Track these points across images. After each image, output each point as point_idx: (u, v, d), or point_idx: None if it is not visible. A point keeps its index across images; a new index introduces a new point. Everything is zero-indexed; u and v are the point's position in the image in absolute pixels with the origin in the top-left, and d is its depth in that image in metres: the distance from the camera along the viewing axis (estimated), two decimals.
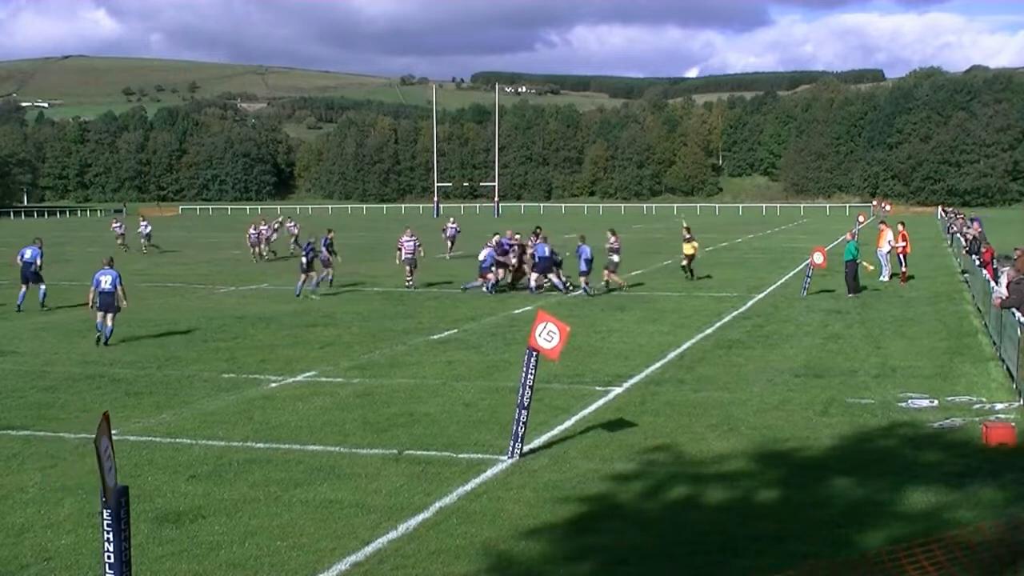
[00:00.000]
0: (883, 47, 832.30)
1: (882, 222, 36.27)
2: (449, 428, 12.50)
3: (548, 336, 11.01)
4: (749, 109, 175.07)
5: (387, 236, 65.40)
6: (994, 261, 22.62)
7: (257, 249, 42.03)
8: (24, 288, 25.74)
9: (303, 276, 28.01)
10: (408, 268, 30.27)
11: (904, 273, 31.28)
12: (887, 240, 32.13)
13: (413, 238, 30.76)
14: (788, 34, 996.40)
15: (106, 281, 19.66)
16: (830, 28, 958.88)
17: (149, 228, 50.97)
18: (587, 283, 27.71)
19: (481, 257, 28.79)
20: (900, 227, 33.06)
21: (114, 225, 54.20)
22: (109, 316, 19.50)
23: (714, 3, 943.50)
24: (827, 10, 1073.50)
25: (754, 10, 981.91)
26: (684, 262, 32.18)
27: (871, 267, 29.59)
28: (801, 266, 33.63)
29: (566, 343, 11.24)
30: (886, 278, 31.06)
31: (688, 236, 31.86)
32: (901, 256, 31.96)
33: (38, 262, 26.47)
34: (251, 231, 42.55)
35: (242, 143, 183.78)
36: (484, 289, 28.15)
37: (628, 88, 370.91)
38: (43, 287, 26.01)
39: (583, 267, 27.53)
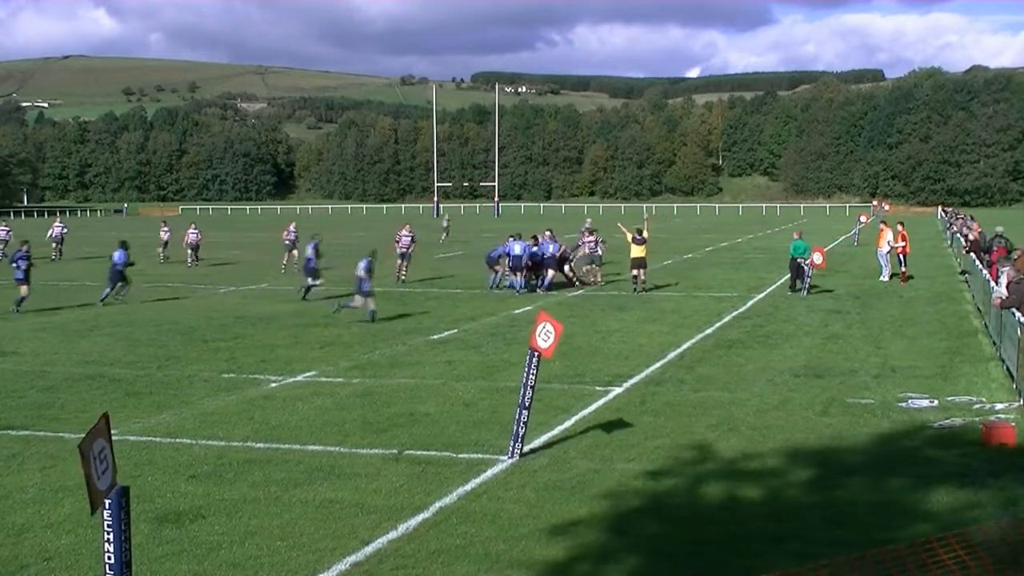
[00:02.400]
0: (885, 47, 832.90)
1: (882, 222, 36.25)
2: (449, 428, 12.49)
3: (545, 336, 11.05)
4: (749, 109, 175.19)
5: (387, 236, 65.40)
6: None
7: (162, 251, 41.85)
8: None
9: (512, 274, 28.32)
10: (401, 262, 31.03)
11: (904, 273, 31.28)
12: (887, 240, 32.14)
13: (411, 234, 31.06)
14: (789, 34, 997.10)
15: (360, 267, 22.67)
16: (832, 28, 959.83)
17: (64, 230, 44.92)
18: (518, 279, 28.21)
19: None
20: (899, 227, 33.06)
21: None
22: (370, 299, 22.37)
23: (716, 2, 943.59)
24: (829, 10, 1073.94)
25: (756, 9, 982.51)
26: (634, 271, 28.23)
27: (823, 264, 29.01)
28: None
29: (559, 342, 11.25)
30: (886, 278, 31.08)
31: (640, 237, 27.83)
32: (901, 256, 31.97)
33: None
34: (56, 224, 42.38)
35: (242, 143, 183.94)
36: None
37: (628, 88, 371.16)
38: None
39: (511, 263, 28.02)
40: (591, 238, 30.67)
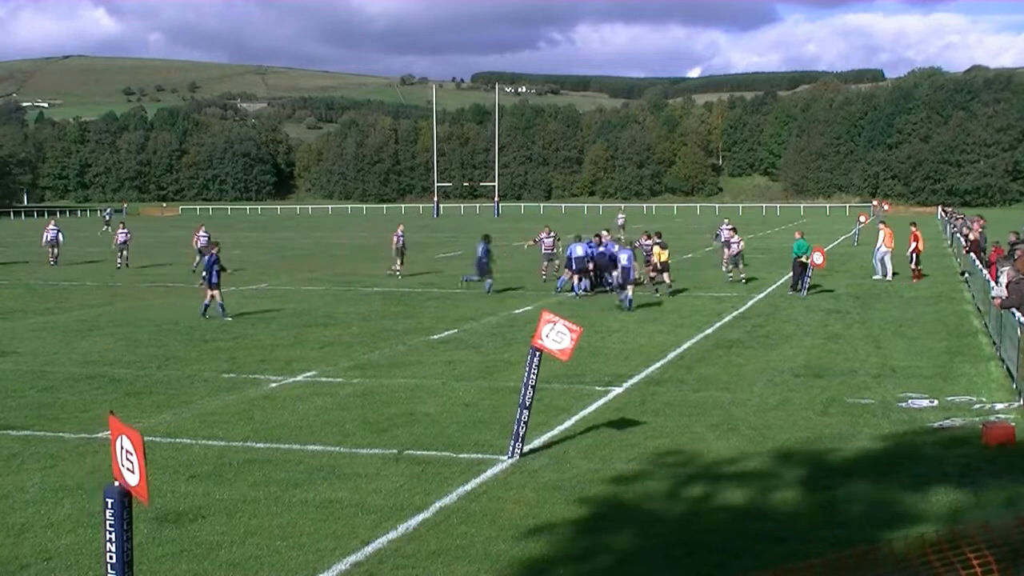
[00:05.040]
0: (887, 47, 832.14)
1: (882, 222, 36.26)
2: (449, 428, 12.49)
3: (557, 337, 10.98)
4: (749, 109, 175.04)
5: (386, 236, 65.25)
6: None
7: (55, 251, 41.05)
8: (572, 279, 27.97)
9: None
10: (545, 263, 32.04)
11: (914, 270, 31.40)
12: (884, 240, 32.15)
13: (553, 235, 32.40)
14: (791, 34, 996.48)
15: (623, 257, 24.59)
16: (834, 28, 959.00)
17: (59, 234, 42.17)
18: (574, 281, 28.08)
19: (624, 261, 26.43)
20: (912, 228, 33.06)
21: None
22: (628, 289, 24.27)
23: (719, 2, 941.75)
24: (831, 9, 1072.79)
25: (760, 9, 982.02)
26: (653, 274, 28.28)
27: (823, 264, 28.87)
28: None
29: (577, 344, 11.22)
30: (889, 278, 31.12)
31: (663, 241, 28.35)
32: (915, 255, 31.94)
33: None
34: (50, 228, 41.47)
35: (242, 143, 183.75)
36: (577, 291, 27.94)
37: (628, 88, 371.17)
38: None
39: (576, 265, 27.63)
40: (649, 241, 31.02)
